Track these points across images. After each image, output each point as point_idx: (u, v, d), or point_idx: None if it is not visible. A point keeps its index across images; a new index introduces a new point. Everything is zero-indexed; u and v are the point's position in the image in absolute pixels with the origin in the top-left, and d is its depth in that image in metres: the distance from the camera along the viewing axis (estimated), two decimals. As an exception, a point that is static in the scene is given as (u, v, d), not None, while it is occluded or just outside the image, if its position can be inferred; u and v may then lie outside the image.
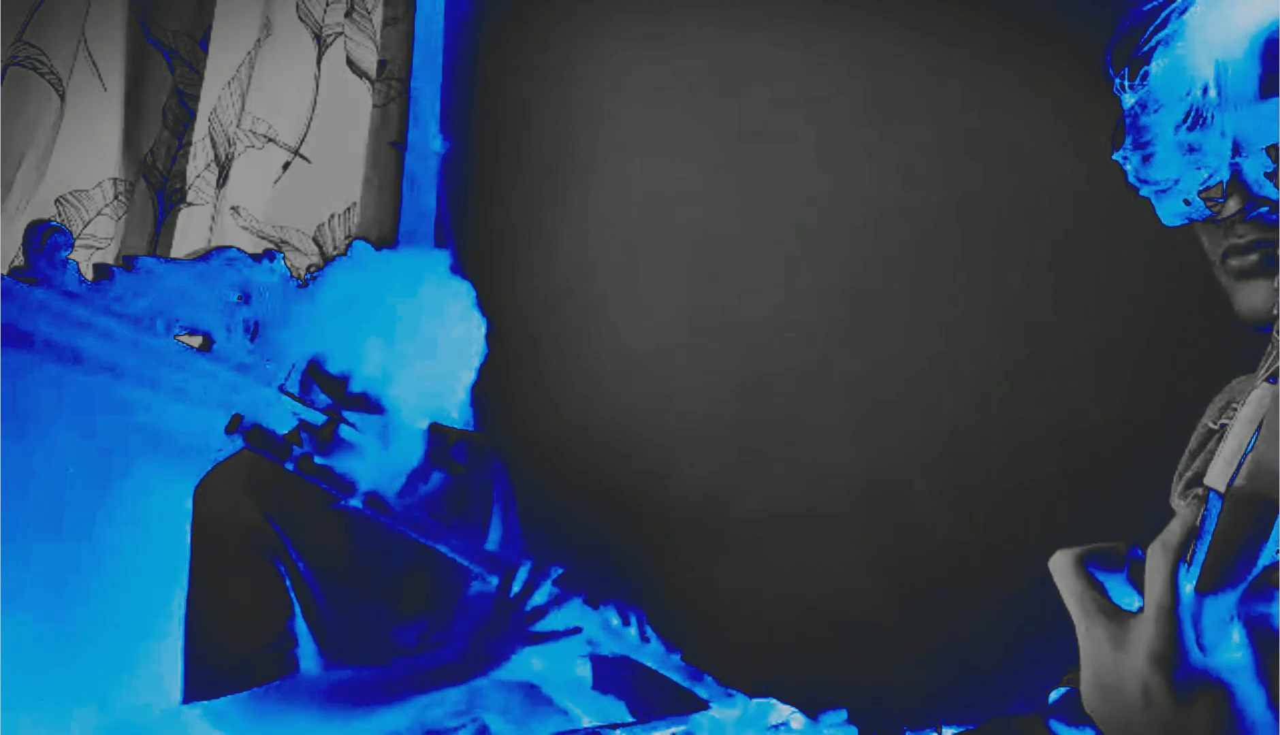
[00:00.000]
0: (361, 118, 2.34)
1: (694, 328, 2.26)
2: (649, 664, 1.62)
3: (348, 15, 2.30)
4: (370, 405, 1.61)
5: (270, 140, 2.22)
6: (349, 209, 2.31)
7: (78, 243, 1.97)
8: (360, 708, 1.56)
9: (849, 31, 2.16)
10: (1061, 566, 0.72)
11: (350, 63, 2.32)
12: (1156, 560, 0.67)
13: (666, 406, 2.26)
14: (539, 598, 1.56)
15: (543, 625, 1.56)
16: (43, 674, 1.69)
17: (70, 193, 2.04)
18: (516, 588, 1.55)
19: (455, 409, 1.69)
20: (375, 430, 1.61)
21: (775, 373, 2.22)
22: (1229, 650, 0.66)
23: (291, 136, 2.25)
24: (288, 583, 1.62)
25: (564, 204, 2.36)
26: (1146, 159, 1.01)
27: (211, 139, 2.17)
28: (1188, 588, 0.66)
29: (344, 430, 1.59)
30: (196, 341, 1.98)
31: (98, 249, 2.08)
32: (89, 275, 1.85)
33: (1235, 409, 1.13)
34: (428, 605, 1.73)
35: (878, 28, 2.14)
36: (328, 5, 2.27)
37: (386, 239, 2.32)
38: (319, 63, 2.28)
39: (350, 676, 1.61)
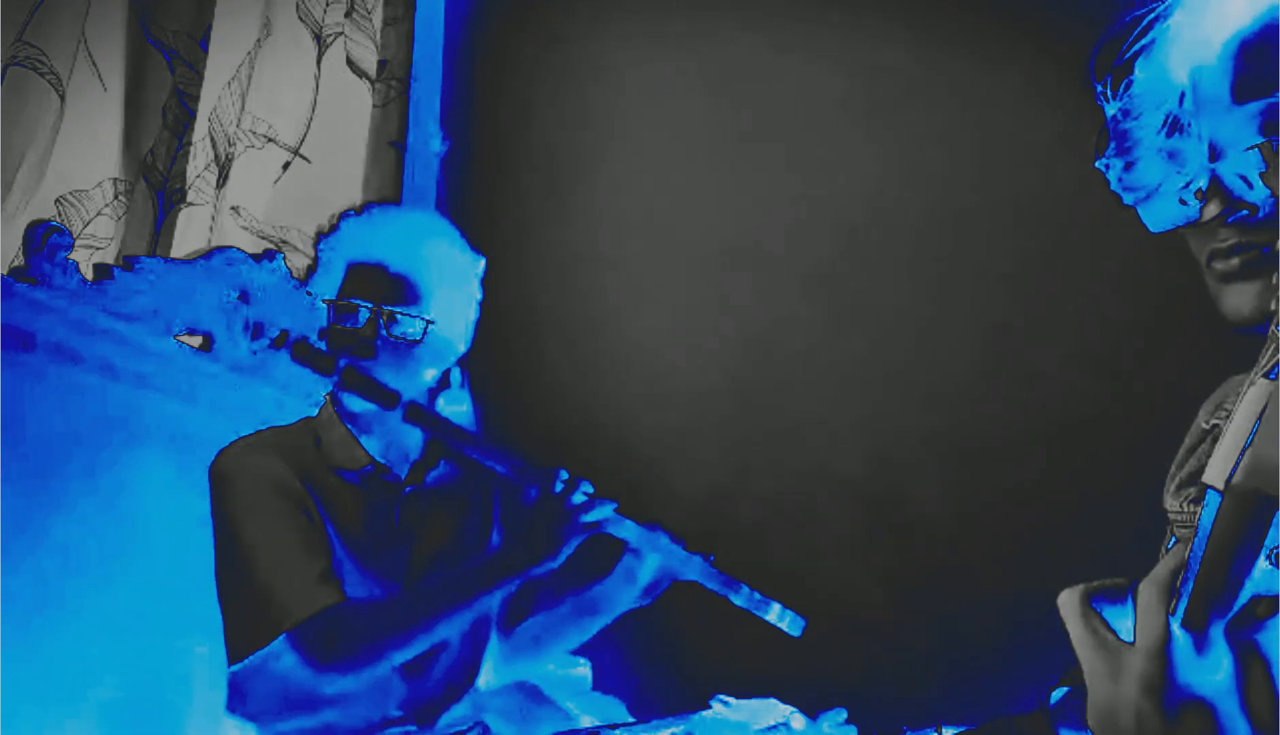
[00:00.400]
0: (361, 118, 2.34)
1: (693, 327, 2.27)
2: (687, 574, 1.66)
3: (348, 15, 2.30)
4: (407, 292, 1.64)
5: (270, 140, 2.22)
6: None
7: (78, 243, 1.97)
8: (424, 616, 1.57)
9: (848, 32, 2.16)
10: (1068, 604, 0.78)
11: (350, 63, 2.32)
12: (1147, 596, 0.72)
13: (666, 406, 2.26)
14: (579, 497, 1.60)
15: (588, 517, 1.60)
16: (40, 672, 1.69)
17: (70, 193, 2.05)
18: (558, 487, 1.58)
19: (463, 344, 1.73)
20: (416, 316, 1.65)
21: (775, 372, 2.22)
22: (1213, 671, 0.70)
23: (291, 136, 2.25)
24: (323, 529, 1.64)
25: (564, 203, 2.36)
26: (1129, 166, 1.02)
27: (211, 139, 2.17)
28: (1175, 629, 0.71)
29: (384, 327, 1.63)
30: (196, 341, 1.98)
31: (98, 249, 2.08)
32: (89, 275, 1.85)
33: (1228, 408, 1.14)
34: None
35: (877, 29, 2.14)
36: (328, 5, 2.27)
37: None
38: (319, 63, 2.28)
39: (399, 597, 1.64)
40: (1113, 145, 1.04)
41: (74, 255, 1.83)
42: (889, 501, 2.14)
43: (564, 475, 1.61)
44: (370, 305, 1.64)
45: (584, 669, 1.97)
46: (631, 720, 1.80)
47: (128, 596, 1.80)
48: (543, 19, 2.39)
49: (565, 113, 2.37)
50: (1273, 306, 0.90)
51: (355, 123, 2.33)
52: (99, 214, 2.08)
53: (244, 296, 2.02)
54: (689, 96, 2.27)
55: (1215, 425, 1.18)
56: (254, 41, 2.20)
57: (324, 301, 1.67)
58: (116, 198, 2.11)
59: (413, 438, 1.71)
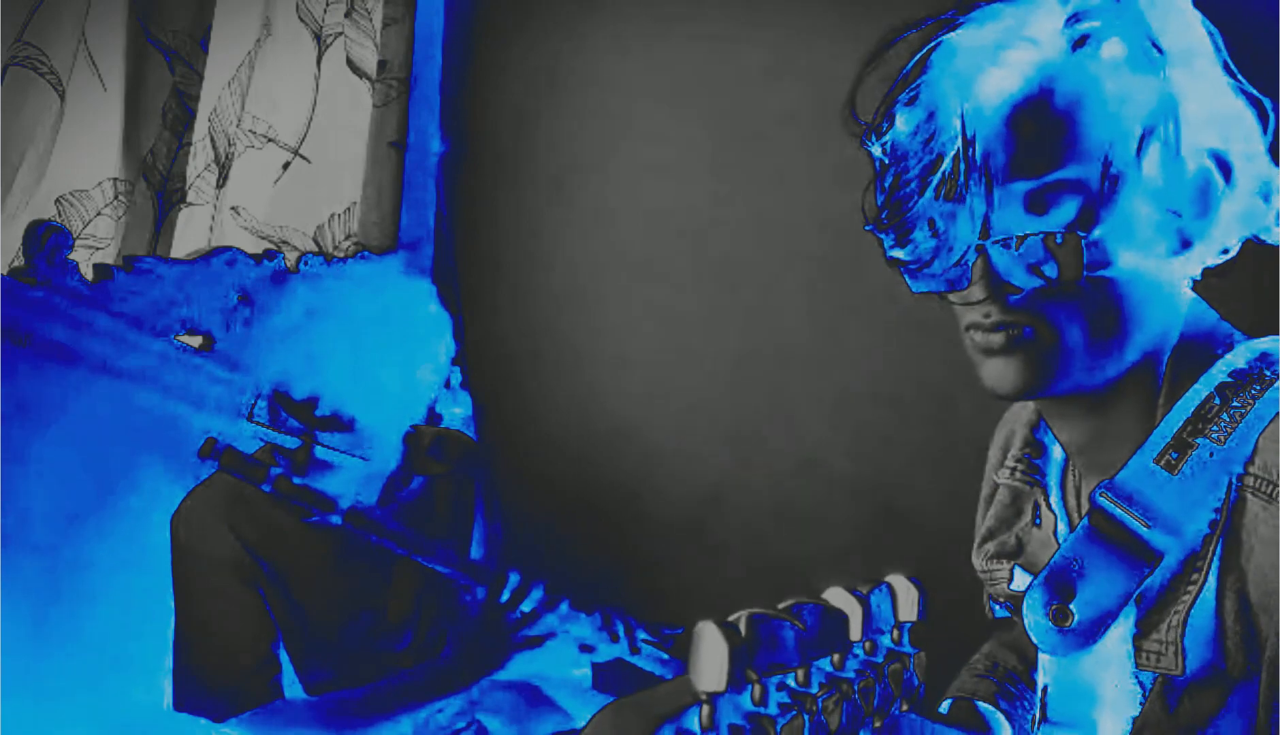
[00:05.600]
0: (361, 118, 2.34)
1: (693, 327, 2.27)
2: (641, 665, 1.62)
3: (348, 15, 2.30)
4: (342, 424, 1.59)
5: (270, 140, 2.22)
6: (349, 209, 2.31)
7: (78, 243, 1.97)
8: (356, 727, 1.56)
9: (849, 31, 2.15)
10: None
11: (350, 63, 2.32)
12: None
13: (665, 406, 2.26)
14: (528, 604, 1.55)
15: (533, 630, 1.55)
16: (42, 673, 1.69)
17: (70, 193, 2.05)
18: (505, 595, 1.55)
19: (429, 409, 1.68)
20: (350, 446, 1.59)
21: (775, 374, 2.22)
22: None
23: (291, 136, 2.25)
24: (268, 608, 1.61)
25: (564, 203, 2.36)
26: (902, 234, 1.01)
27: (211, 139, 2.17)
28: None
29: (319, 451, 1.58)
30: (196, 341, 1.98)
31: (98, 249, 2.08)
32: (89, 275, 1.85)
33: (1011, 464, 1.15)
34: (417, 608, 1.72)
35: (880, 27, 2.13)
36: (328, 5, 2.27)
37: (386, 240, 2.32)
38: (319, 63, 2.28)
39: (342, 697, 1.61)
40: (884, 208, 1.03)
41: (74, 255, 1.83)
42: (889, 500, 2.14)
43: (515, 580, 1.57)
44: (301, 431, 1.57)
45: (584, 669, 1.97)
46: (631, 720, 1.79)
47: (128, 596, 1.80)
48: (542, 19, 2.39)
49: (566, 113, 2.37)
50: (1035, 381, 0.94)
51: (355, 123, 2.33)
52: (99, 214, 2.08)
53: (244, 296, 2.02)
54: (689, 97, 2.27)
55: (996, 485, 1.19)
56: (254, 41, 2.20)
57: (250, 420, 1.59)
58: (116, 198, 2.11)
59: (382, 462, 1.67)
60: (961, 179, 0.94)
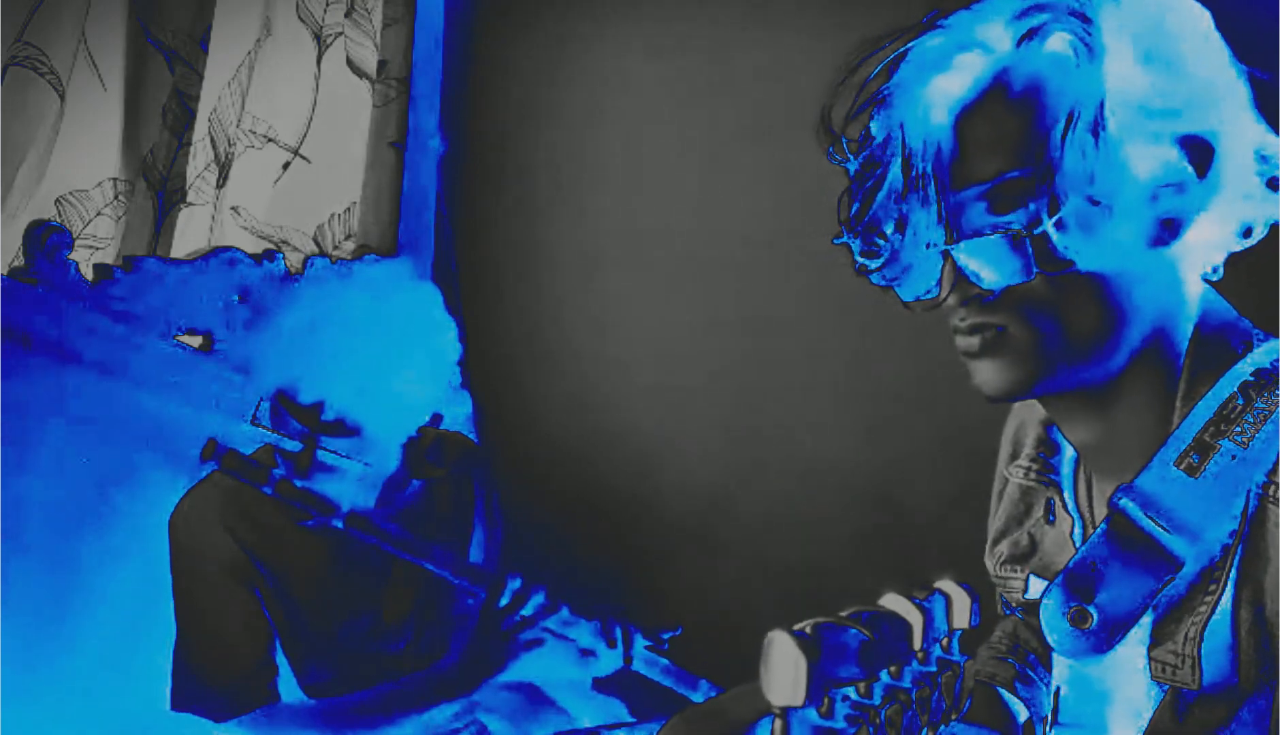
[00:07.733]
0: (361, 118, 2.34)
1: (694, 329, 2.26)
2: (641, 671, 1.62)
3: (348, 15, 2.30)
4: (346, 429, 1.59)
5: (270, 140, 2.22)
6: (349, 209, 2.31)
7: (78, 243, 1.97)
8: (357, 728, 1.56)
9: (850, 30, 2.15)
10: None
11: (350, 63, 2.32)
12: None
13: (666, 406, 2.26)
14: (528, 609, 1.55)
15: (533, 634, 1.56)
16: (41, 673, 1.69)
17: (70, 193, 2.05)
18: (505, 599, 1.55)
19: (432, 413, 1.67)
20: (354, 451, 1.59)
21: (776, 375, 2.22)
22: None
23: (291, 136, 2.25)
24: (265, 611, 1.61)
25: (564, 203, 2.36)
26: (870, 241, 1.00)
27: (211, 139, 2.17)
28: None
29: (321, 455, 1.58)
30: (196, 341, 1.98)
31: (98, 249, 2.08)
32: (89, 275, 1.86)
33: (1024, 463, 1.14)
34: (415, 609, 1.72)
35: (879, 26, 2.13)
36: (328, 5, 2.27)
37: (385, 240, 2.32)
38: (319, 63, 2.28)
39: (341, 702, 1.61)
40: (851, 217, 1.01)
41: (74, 255, 1.83)
42: (895, 501, 2.14)
43: (515, 584, 1.57)
44: (303, 434, 1.57)
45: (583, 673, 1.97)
46: (632, 720, 1.80)
47: (129, 596, 1.80)
48: (543, 19, 2.39)
49: (565, 113, 2.37)
50: (1021, 381, 0.93)
51: (355, 123, 2.33)
52: (99, 214, 2.08)
53: (244, 296, 2.02)
54: (689, 97, 2.27)
55: (1007, 480, 1.19)
56: (254, 41, 2.20)
57: (254, 424, 1.60)
58: (116, 198, 2.11)
59: (382, 465, 1.67)
60: (904, 187, 0.94)
